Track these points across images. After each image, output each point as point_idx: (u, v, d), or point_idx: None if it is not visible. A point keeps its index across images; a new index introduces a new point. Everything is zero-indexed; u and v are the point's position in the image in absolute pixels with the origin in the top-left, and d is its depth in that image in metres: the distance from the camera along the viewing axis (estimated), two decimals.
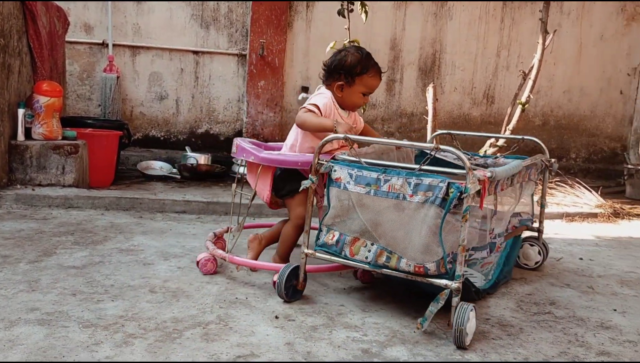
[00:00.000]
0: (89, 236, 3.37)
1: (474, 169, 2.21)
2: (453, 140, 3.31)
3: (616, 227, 4.64)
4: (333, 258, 2.40)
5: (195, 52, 6.31)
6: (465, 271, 2.93)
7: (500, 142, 4.63)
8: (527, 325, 2.43)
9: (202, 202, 4.25)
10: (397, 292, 2.71)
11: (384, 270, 2.29)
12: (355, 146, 2.49)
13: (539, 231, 3.32)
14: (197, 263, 2.83)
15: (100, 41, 6.08)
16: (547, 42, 4.82)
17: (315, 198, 2.67)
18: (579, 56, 6.98)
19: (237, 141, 2.94)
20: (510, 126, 4.82)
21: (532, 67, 4.86)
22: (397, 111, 6.78)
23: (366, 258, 2.30)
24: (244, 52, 6.36)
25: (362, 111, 2.86)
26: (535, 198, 3.28)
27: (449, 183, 2.16)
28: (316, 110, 2.57)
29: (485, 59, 6.84)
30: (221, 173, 5.67)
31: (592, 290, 2.96)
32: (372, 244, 2.29)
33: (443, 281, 2.23)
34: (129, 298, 2.42)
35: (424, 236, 2.18)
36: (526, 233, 3.32)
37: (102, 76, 6.04)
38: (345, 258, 2.36)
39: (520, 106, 4.79)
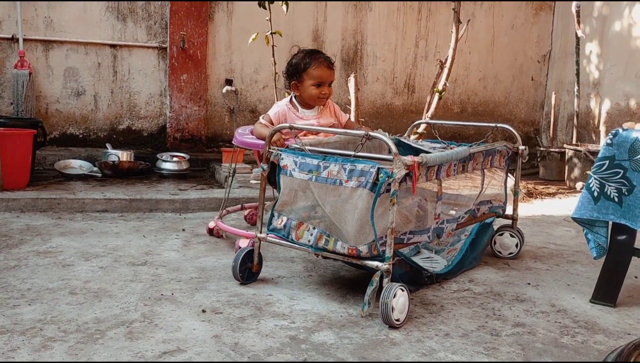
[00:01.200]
0: (3, 239, 3.21)
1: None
2: (432, 130, 3.41)
3: (530, 206, 4.90)
4: (282, 241, 2.52)
5: (113, 46, 6.09)
6: (430, 257, 3.03)
7: (421, 128, 4.77)
8: (448, 302, 2.54)
9: (125, 199, 4.14)
10: (325, 280, 2.76)
11: (324, 252, 2.40)
12: (310, 136, 2.73)
13: (513, 219, 3.26)
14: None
15: (10, 36, 5.76)
16: (461, 33, 4.99)
17: None
18: (492, 44, 7.29)
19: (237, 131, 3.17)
20: (429, 114, 4.97)
21: (447, 56, 5.03)
22: None
23: (309, 241, 2.41)
24: (164, 45, 6.20)
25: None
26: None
27: (378, 168, 2.25)
28: (266, 121, 2.83)
29: (405, 50, 7.01)
30: (145, 169, 5.53)
31: (507, 266, 3.12)
32: (314, 228, 2.40)
33: (375, 263, 2.31)
34: (48, 301, 2.33)
35: (357, 220, 2.28)
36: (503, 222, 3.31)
37: (13, 72, 5.72)
38: (292, 242, 2.47)
39: (437, 94, 4.95)
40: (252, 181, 4.74)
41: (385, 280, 2.28)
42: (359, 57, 6.89)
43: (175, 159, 5.67)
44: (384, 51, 6.95)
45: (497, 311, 2.45)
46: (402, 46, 7.00)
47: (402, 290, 2.26)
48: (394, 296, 2.21)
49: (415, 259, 2.96)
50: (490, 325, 2.31)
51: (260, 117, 2.87)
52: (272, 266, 2.94)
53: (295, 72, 2.76)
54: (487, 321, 2.35)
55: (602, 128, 6.39)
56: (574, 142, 6.21)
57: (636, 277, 2.94)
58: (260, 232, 2.60)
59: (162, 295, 2.47)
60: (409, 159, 2.30)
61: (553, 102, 6.54)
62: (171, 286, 2.58)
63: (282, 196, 2.47)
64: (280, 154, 2.47)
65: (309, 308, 2.39)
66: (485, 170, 3.02)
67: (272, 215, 2.53)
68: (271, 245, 3.03)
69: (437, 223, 2.71)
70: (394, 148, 2.28)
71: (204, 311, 2.31)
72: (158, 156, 5.68)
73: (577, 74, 6.36)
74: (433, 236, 2.71)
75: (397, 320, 2.23)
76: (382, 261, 2.29)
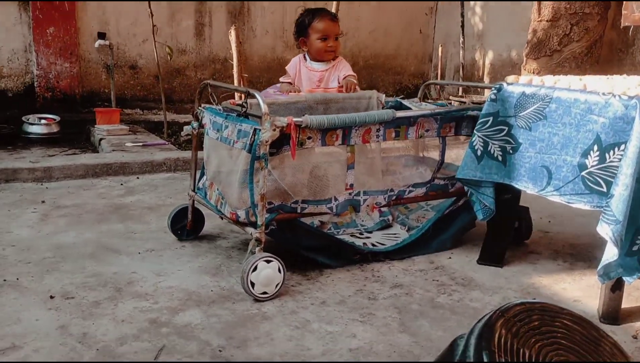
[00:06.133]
0: None
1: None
2: (441, 90, 3.14)
3: None
4: (202, 200, 2.49)
5: None
6: (395, 234, 2.66)
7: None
8: (327, 266, 2.42)
9: None
10: (200, 251, 2.56)
11: (223, 215, 2.33)
12: (298, 92, 2.72)
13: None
14: None
15: None
16: None
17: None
18: None
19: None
20: None
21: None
22: (209, 56, 6.47)
23: (215, 202, 2.37)
24: None
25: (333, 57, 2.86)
26: None
27: (255, 129, 2.08)
28: (285, 77, 2.94)
29: (295, 2, 6.74)
30: (8, 134, 4.98)
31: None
32: (217, 189, 2.36)
33: (250, 230, 2.16)
34: None
35: (238, 184, 2.20)
36: None
37: None
38: (208, 202, 2.44)
39: None
40: (129, 144, 4.38)
41: (257, 249, 2.12)
42: (246, 8, 6.55)
43: (43, 121, 5.15)
44: (273, 2, 6.64)
45: (376, 272, 2.38)
46: None
47: (268, 262, 2.09)
48: (254, 269, 2.05)
49: (377, 233, 2.69)
50: (369, 288, 2.23)
51: (280, 78, 2.97)
52: (141, 238, 2.69)
53: (301, 28, 2.84)
54: (365, 284, 2.27)
55: (487, 79, 6.53)
56: (459, 94, 6.31)
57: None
58: (193, 189, 2.57)
59: (4, 280, 2.17)
60: (283, 119, 2.13)
61: (440, 54, 6.59)
62: (17, 270, 2.27)
63: (205, 154, 2.48)
64: (203, 112, 2.44)
65: (177, 285, 2.19)
66: (446, 138, 2.70)
67: (202, 173, 2.56)
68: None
69: (350, 194, 2.50)
70: (264, 107, 2.09)
71: (52, 297, 2.05)
72: (24, 118, 5.14)
73: (462, 26, 6.41)
74: (342, 208, 2.49)
75: (264, 294, 2.09)
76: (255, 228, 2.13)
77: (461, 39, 6.42)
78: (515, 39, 6.13)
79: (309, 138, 2.21)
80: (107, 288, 2.14)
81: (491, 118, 2.30)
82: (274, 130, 2.08)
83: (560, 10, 4.89)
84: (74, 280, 2.20)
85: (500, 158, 2.30)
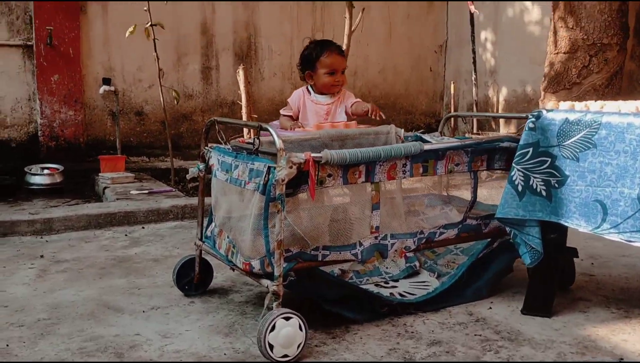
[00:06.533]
0: None
1: None
2: (464, 123, 2.95)
3: None
4: (210, 251, 2.26)
5: None
6: (425, 282, 2.43)
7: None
8: (353, 321, 2.16)
9: None
10: (210, 307, 2.31)
11: (234, 266, 2.08)
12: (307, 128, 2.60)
13: None
14: None
15: None
16: (356, 22, 4.70)
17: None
18: (389, 35, 7.10)
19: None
20: None
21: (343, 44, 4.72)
22: (216, 100, 6.34)
23: (225, 252, 2.14)
24: (29, 43, 5.47)
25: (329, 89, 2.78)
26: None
27: (269, 167, 1.87)
28: (287, 110, 2.86)
29: (301, 42, 6.64)
30: (10, 184, 4.79)
31: None
32: (227, 236, 2.13)
33: (266, 282, 1.92)
34: None
35: (251, 229, 1.96)
36: None
37: None
38: (216, 251, 2.21)
39: None
40: (134, 192, 4.18)
41: (275, 304, 1.87)
42: (253, 51, 6.46)
43: (46, 171, 4.97)
44: (280, 43, 6.56)
45: (409, 327, 2.12)
46: (298, 38, 6.63)
47: (287, 319, 1.84)
48: (271, 329, 1.81)
49: (404, 282, 2.45)
50: (403, 347, 1.96)
51: (281, 110, 2.90)
52: (146, 294, 2.45)
53: (308, 62, 2.78)
54: (398, 342, 2.00)
55: (501, 121, 6.35)
56: (474, 131, 6.11)
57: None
58: (200, 239, 2.35)
59: None
60: (301, 155, 1.92)
61: (452, 91, 6.42)
62: (8, 334, 2.03)
63: (212, 199, 2.27)
64: (210, 152, 2.25)
65: (185, 348, 1.94)
66: (478, 173, 2.46)
67: (210, 220, 2.34)
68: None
69: (375, 238, 2.23)
70: (279, 143, 1.89)
71: None
72: (26, 169, 4.96)
73: (474, 62, 6.27)
74: (367, 255, 2.22)
75: (285, 357, 1.83)
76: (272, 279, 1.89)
77: (473, 76, 6.26)
78: (530, 74, 5.98)
79: (329, 175, 2.00)
80: (107, 353, 1.89)
81: (531, 149, 2.07)
82: (291, 167, 1.86)
83: (578, 41, 4.74)
84: (71, 345, 1.95)
85: (544, 193, 2.06)
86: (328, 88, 2.76)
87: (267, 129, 1.96)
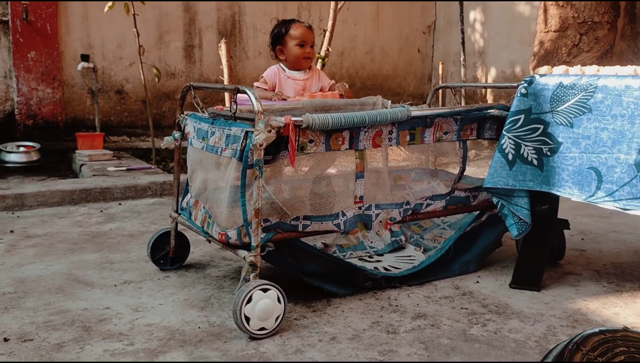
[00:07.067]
0: None
1: None
2: (454, 94, 2.85)
3: None
4: (185, 222, 2.17)
5: None
6: (410, 256, 2.35)
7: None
8: (334, 295, 2.07)
9: None
10: (186, 281, 2.21)
11: (210, 237, 1.98)
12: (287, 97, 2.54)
13: None
14: None
15: None
16: (342, 1, 4.60)
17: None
18: (377, 16, 6.97)
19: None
20: None
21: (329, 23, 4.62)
22: (199, 79, 6.19)
23: (200, 223, 2.04)
24: (5, 18, 5.28)
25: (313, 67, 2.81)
26: None
27: (247, 132, 1.76)
28: (261, 83, 2.79)
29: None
30: None
31: None
32: (203, 207, 2.05)
33: (243, 253, 1.82)
34: None
35: (227, 198, 1.86)
36: None
37: None
38: (192, 223, 2.11)
39: (320, 61, 4.51)
40: (111, 168, 4.05)
41: (252, 276, 1.77)
42: (237, 29, 6.30)
43: (22, 149, 4.83)
44: (265, 22, 6.40)
45: (393, 301, 2.03)
46: (283, 16, 6.45)
47: (265, 291, 1.74)
48: (248, 301, 1.71)
49: (389, 256, 2.36)
50: (386, 320, 1.87)
51: (255, 83, 2.83)
52: (119, 268, 2.34)
53: (277, 37, 2.78)
54: (382, 315, 1.91)
55: (490, 97, 6.27)
56: (462, 105, 6.03)
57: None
58: (176, 211, 2.26)
59: None
60: (280, 119, 1.81)
61: (440, 72, 6.34)
62: None
63: (188, 168, 2.18)
64: (186, 120, 2.16)
65: (157, 322, 1.83)
66: (467, 142, 2.33)
67: (186, 191, 2.24)
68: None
69: (359, 208, 2.13)
70: (256, 105, 1.78)
71: (6, 340, 1.69)
72: (1, 146, 4.81)
73: (463, 43, 6.19)
74: (350, 226, 2.11)
75: (262, 330, 1.73)
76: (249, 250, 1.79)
77: (462, 57, 6.18)
78: (519, 55, 5.90)
79: (311, 141, 1.89)
80: (74, 327, 1.78)
81: (522, 116, 1.97)
82: (270, 131, 1.75)
83: (568, 19, 4.65)
84: (36, 319, 1.83)
85: (535, 162, 1.97)
86: (300, 61, 2.76)
87: (245, 92, 1.85)
